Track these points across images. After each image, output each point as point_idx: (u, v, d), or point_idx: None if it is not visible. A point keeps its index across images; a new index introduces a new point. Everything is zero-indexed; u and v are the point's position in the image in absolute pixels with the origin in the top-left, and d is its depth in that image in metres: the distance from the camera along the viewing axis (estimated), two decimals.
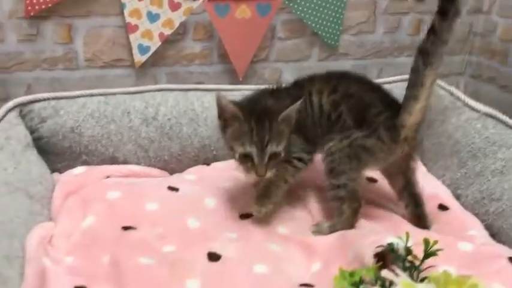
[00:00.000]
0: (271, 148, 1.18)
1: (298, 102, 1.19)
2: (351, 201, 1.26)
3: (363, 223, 1.29)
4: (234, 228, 1.29)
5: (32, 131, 1.49)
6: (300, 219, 1.36)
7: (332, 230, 1.27)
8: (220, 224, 1.30)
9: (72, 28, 1.68)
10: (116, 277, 1.11)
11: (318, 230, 1.29)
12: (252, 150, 1.18)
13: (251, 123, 1.18)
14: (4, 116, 1.41)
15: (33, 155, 1.44)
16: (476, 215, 1.37)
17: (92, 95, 1.57)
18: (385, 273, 0.95)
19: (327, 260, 1.19)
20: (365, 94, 1.29)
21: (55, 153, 1.52)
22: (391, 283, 0.94)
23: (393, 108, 1.27)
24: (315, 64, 1.95)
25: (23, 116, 1.48)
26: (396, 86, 1.76)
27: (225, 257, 1.18)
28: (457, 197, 1.46)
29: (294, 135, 1.26)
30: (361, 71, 1.98)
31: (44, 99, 1.51)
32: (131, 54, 1.74)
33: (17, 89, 1.48)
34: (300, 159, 1.30)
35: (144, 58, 1.74)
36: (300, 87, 1.32)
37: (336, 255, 1.17)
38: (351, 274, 1.04)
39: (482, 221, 1.35)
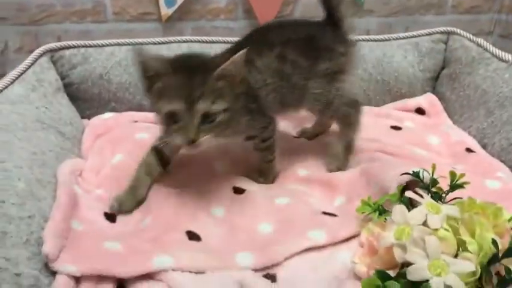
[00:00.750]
0: (204, 105, 1.00)
1: (238, 54, 1.01)
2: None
3: (385, 157, 1.30)
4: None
5: (62, 77, 1.53)
6: (320, 164, 1.37)
7: (346, 153, 1.33)
8: (244, 169, 1.33)
9: None
10: (144, 205, 1.15)
11: (333, 161, 1.32)
12: (179, 106, 0.99)
13: (179, 77, 1.01)
14: (36, 60, 1.45)
15: (63, 98, 1.48)
16: (503, 162, 1.36)
17: (119, 44, 1.60)
18: (409, 193, 0.96)
19: (350, 195, 1.20)
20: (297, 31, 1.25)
21: (84, 99, 1.56)
22: (415, 204, 0.94)
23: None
24: None
25: (54, 62, 1.53)
26: (422, 40, 1.77)
27: (248, 191, 1.22)
28: (484, 146, 1.45)
29: (247, 104, 1.14)
30: (386, 29, 1.97)
31: (74, 46, 1.55)
32: (158, 8, 1.76)
33: (47, 41, 1.51)
34: (263, 128, 1.23)
35: (170, 11, 1.77)
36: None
37: (359, 190, 1.19)
38: (374, 203, 1.06)
39: (509, 167, 1.34)
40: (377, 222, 1.01)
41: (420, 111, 1.69)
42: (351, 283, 0.94)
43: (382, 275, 0.85)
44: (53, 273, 0.91)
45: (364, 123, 1.57)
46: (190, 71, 1.02)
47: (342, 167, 1.31)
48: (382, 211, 1.03)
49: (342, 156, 1.33)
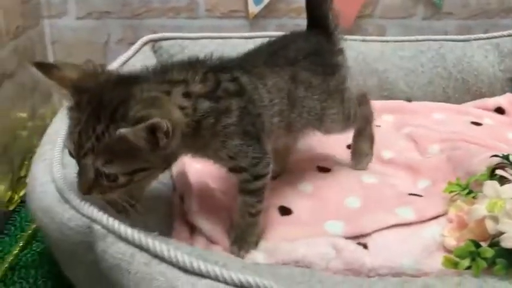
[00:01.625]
0: (92, 161, 0.78)
1: (145, 124, 0.74)
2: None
3: (470, 146, 1.34)
4: (341, 155, 1.38)
5: None
6: (403, 145, 1.44)
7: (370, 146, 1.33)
8: (328, 151, 1.40)
9: None
10: None
11: (362, 159, 1.32)
12: (71, 150, 0.82)
13: (83, 113, 0.80)
14: (140, 48, 1.59)
15: None
16: None
17: (211, 38, 1.73)
18: (500, 171, 1.01)
19: (435, 178, 1.25)
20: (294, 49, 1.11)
21: None
22: (504, 183, 0.99)
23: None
24: (419, 23, 1.99)
25: (154, 51, 1.67)
26: (503, 41, 1.79)
27: (334, 169, 1.30)
28: None
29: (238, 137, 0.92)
30: (465, 31, 1.99)
31: (172, 38, 1.69)
32: (246, 6, 1.88)
33: (145, 34, 1.65)
34: (258, 160, 0.95)
35: (257, 9, 1.88)
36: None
37: (445, 175, 1.23)
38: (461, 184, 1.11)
39: None
40: (465, 200, 1.06)
41: (500, 110, 1.71)
42: (440, 255, 0.99)
43: (475, 243, 0.90)
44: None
45: (444, 119, 1.62)
46: (95, 104, 0.80)
47: (369, 161, 1.33)
48: (469, 191, 1.08)
49: (368, 151, 1.34)
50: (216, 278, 0.69)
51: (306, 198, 1.19)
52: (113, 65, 1.43)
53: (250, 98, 0.94)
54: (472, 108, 1.70)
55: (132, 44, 1.57)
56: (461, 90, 1.77)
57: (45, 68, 0.82)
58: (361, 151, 1.32)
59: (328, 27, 1.19)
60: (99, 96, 0.80)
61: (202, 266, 0.70)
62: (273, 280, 0.70)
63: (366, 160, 1.33)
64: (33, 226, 1.26)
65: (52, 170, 0.88)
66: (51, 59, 1.87)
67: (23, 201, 1.40)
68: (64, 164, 0.90)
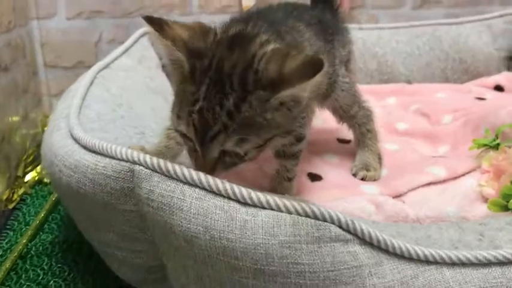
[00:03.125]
0: (223, 143, 0.69)
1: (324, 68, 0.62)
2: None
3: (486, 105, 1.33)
4: None
5: (159, 57, 1.62)
6: (416, 118, 1.42)
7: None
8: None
9: None
10: None
11: (370, 174, 1.10)
12: (191, 134, 0.71)
13: (201, 86, 0.68)
14: (137, 39, 1.55)
15: (163, 75, 1.57)
16: None
17: None
18: None
19: (454, 143, 1.24)
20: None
21: None
22: None
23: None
24: (409, 12, 2.01)
25: (152, 44, 1.62)
26: (495, 22, 1.82)
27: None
28: None
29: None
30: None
31: None
32: (240, 0, 1.87)
33: None
34: (299, 139, 0.92)
35: (251, 3, 1.87)
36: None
37: (463, 138, 1.22)
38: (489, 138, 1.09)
39: None
40: (498, 151, 1.04)
41: (499, 88, 1.72)
42: (480, 204, 0.96)
43: None
44: None
45: (448, 96, 1.62)
46: (223, 79, 0.68)
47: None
48: (499, 143, 1.07)
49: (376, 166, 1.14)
50: (278, 208, 0.64)
51: (333, 167, 1.15)
52: (112, 55, 1.38)
53: None
54: (473, 86, 1.71)
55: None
56: (459, 70, 1.78)
57: (157, 24, 0.69)
58: (368, 164, 1.13)
59: (333, 3, 1.18)
60: (217, 63, 0.68)
61: (262, 197, 0.64)
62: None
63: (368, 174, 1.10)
64: (41, 216, 1.17)
65: (73, 133, 0.83)
66: (40, 60, 1.80)
67: (22, 200, 1.32)
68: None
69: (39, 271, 0.99)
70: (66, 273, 0.98)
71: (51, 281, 0.96)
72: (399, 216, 0.92)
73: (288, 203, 0.64)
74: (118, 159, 0.71)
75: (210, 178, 0.65)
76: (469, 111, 1.36)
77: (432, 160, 1.14)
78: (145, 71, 1.43)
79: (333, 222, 0.64)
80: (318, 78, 0.63)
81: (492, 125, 1.15)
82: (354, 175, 1.11)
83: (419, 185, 1.04)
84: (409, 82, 1.75)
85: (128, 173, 0.70)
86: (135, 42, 1.52)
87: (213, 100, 0.67)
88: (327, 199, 0.98)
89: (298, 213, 0.64)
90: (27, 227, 1.16)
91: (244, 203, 0.64)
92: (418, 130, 1.33)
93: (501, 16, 1.83)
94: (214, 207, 0.64)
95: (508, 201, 0.89)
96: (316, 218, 0.64)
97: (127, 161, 0.70)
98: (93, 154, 0.75)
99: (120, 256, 0.80)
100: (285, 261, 0.62)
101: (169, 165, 0.67)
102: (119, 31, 1.84)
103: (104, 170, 0.71)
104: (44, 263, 1.02)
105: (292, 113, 0.71)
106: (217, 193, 0.65)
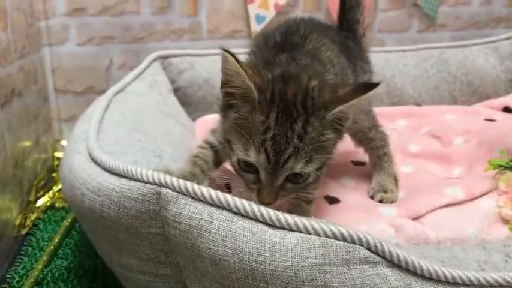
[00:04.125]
0: (294, 166, 0.75)
1: (374, 90, 0.76)
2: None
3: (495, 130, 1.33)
4: None
5: (171, 82, 1.64)
6: (428, 140, 1.42)
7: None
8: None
9: (198, 1, 1.85)
10: None
11: (388, 196, 1.09)
12: (261, 161, 0.75)
13: (270, 115, 0.75)
14: (150, 64, 1.57)
15: (175, 100, 1.58)
16: None
17: (219, 54, 1.71)
18: None
19: (469, 164, 1.24)
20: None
21: (190, 103, 1.66)
22: None
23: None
24: (415, 35, 2.04)
25: (164, 68, 1.64)
26: (501, 44, 1.84)
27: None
28: None
29: None
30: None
31: (181, 55, 1.67)
32: (248, 25, 1.89)
33: None
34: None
35: (259, 27, 1.89)
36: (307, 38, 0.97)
37: (477, 160, 1.22)
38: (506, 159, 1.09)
39: None
40: None
41: (508, 109, 1.73)
42: (499, 226, 0.96)
43: None
44: None
45: (458, 118, 1.63)
46: (285, 105, 0.75)
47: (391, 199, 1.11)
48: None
49: (392, 188, 1.13)
50: (306, 231, 0.63)
51: (350, 190, 1.15)
52: (126, 80, 1.39)
53: None
54: (482, 108, 1.72)
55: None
56: (467, 92, 1.80)
57: (233, 55, 0.78)
58: (385, 187, 1.12)
59: (357, 32, 1.21)
60: (279, 95, 0.76)
61: (290, 220, 0.64)
62: None
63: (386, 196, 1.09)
64: (56, 241, 1.16)
65: (94, 156, 0.83)
66: (51, 86, 1.81)
67: (34, 225, 1.31)
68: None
69: None
70: None
71: None
72: (420, 238, 0.91)
73: (316, 225, 0.64)
74: (144, 181, 0.71)
75: (237, 200, 0.65)
76: (480, 132, 1.37)
77: (449, 181, 1.13)
78: (157, 96, 1.44)
79: (361, 244, 0.64)
80: (366, 96, 0.76)
81: (507, 146, 1.15)
82: (372, 197, 1.11)
83: (438, 207, 1.04)
84: (418, 104, 1.76)
85: (154, 196, 0.70)
86: (148, 67, 1.54)
87: (285, 126, 0.74)
88: (345, 222, 0.97)
89: (327, 236, 0.63)
90: (42, 252, 1.15)
91: (272, 225, 0.64)
92: (431, 152, 1.33)
93: (507, 39, 1.85)
94: (242, 230, 0.63)
95: None
96: (345, 240, 0.64)
97: (153, 183, 0.70)
98: (117, 177, 0.75)
99: (142, 281, 0.79)
100: (315, 283, 0.61)
101: (197, 187, 0.67)
102: (129, 56, 1.86)
103: (129, 193, 0.71)
104: None
105: (342, 131, 0.81)
106: (245, 215, 0.65)
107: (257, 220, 0.64)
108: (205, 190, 0.66)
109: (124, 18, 1.83)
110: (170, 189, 0.68)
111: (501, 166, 1.09)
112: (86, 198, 0.78)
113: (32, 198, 1.44)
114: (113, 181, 0.74)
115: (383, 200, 1.08)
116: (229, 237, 0.63)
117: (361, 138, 1.17)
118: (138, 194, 0.71)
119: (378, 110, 1.56)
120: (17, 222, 1.30)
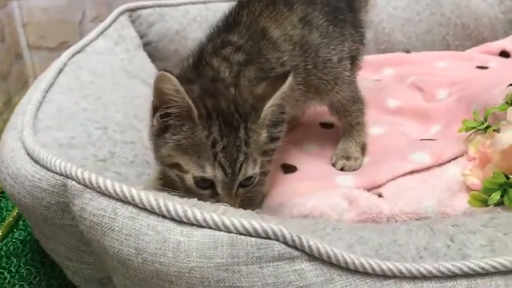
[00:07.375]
0: (247, 171, 0.78)
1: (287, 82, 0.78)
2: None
3: (481, 83, 1.23)
4: None
5: (141, 36, 1.55)
6: (410, 92, 1.34)
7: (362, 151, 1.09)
8: None
9: None
10: None
11: (350, 163, 1.04)
12: (218, 174, 0.75)
13: (212, 129, 0.75)
14: (116, 18, 1.48)
15: (144, 55, 1.50)
16: None
17: (193, 3, 1.62)
18: None
19: (447, 121, 1.16)
20: None
21: (162, 58, 1.58)
22: None
23: None
24: None
25: (132, 22, 1.55)
26: None
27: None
28: None
29: None
30: None
31: (150, 7, 1.58)
32: None
33: None
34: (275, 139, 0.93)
35: None
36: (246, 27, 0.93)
37: (456, 117, 1.13)
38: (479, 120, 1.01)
39: None
40: (486, 135, 0.96)
41: (505, 54, 1.61)
42: (463, 196, 0.89)
43: (504, 175, 0.80)
44: None
45: (448, 66, 1.52)
46: (228, 118, 0.76)
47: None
48: (488, 125, 0.98)
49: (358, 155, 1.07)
50: (216, 227, 0.59)
51: (312, 156, 1.09)
52: (88, 37, 1.32)
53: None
54: (475, 53, 1.60)
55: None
56: (461, 36, 1.66)
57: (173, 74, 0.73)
58: (349, 153, 1.07)
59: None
60: (215, 107, 0.76)
61: (199, 215, 0.59)
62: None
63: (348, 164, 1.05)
64: (14, 213, 1.15)
65: (22, 134, 0.78)
66: (23, 42, 1.75)
67: (1, 193, 1.30)
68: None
69: (6, 274, 0.97)
70: (32, 276, 0.96)
71: (17, 285, 0.94)
72: (372, 213, 0.86)
73: (227, 220, 0.59)
74: (52, 171, 0.66)
75: (143, 195, 0.61)
76: (466, 84, 1.27)
77: (419, 144, 1.06)
78: (122, 53, 1.36)
79: (277, 239, 0.59)
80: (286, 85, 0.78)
81: (485, 105, 1.06)
82: (333, 165, 1.05)
83: (401, 174, 0.98)
84: (407, 51, 1.65)
85: (62, 187, 0.65)
86: (113, 21, 1.45)
87: (231, 136, 0.76)
88: (298, 193, 0.93)
89: (238, 231, 0.59)
90: (2, 223, 1.14)
91: (180, 222, 0.59)
92: (410, 108, 1.25)
93: None
94: (147, 228, 0.59)
95: (489, 196, 0.82)
96: (258, 235, 0.59)
97: (60, 174, 0.65)
98: (33, 163, 0.71)
99: (71, 266, 0.77)
100: (222, 284, 0.57)
101: (101, 180, 0.62)
102: (102, 9, 1.77)
103: (40, 183, 0.68)
104: (13, 265, 1.00)
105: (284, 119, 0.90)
106: (150, 211, 0.60)
107: (164, 216, 0.60)
108: (110, 183, 0.62)
109: None
110: (75, 181, 0.64)
111: (473, 128, 1.00)
112: (6, 184, 0.75)
113: None
114: (28, 168, 0.71)
115: (345, 167, 1.02)
116: (133, 236, 0.59)
117: (338, 110, 1.09)
118: (47, 184, 0.67)
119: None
120: None
